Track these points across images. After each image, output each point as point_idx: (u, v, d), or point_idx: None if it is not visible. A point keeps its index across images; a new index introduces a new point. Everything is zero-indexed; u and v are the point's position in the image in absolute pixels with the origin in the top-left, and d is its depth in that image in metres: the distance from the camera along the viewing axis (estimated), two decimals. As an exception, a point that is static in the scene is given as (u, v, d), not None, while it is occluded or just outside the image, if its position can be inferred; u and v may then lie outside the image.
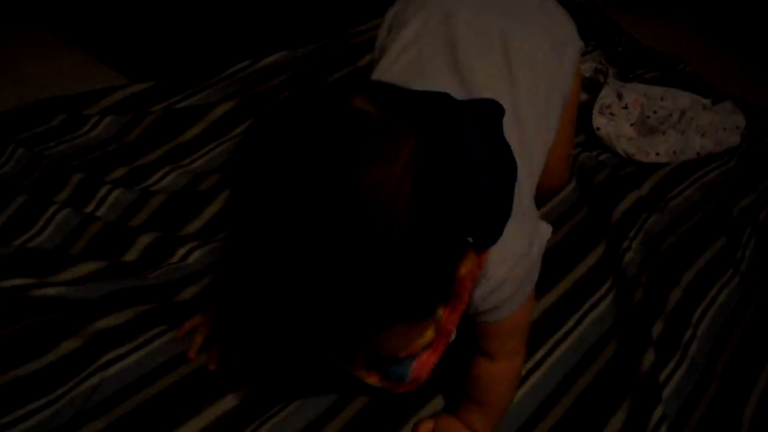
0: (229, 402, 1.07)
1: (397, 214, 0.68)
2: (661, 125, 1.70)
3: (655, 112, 1.73)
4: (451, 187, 0.74)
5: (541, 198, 1.24)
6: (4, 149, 1.38)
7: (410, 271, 0.71)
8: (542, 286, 1.32)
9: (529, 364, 1.20)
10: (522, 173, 0.94)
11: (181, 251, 1.24)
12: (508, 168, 0.88)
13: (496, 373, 1.06)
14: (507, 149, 0.89)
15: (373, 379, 1.03)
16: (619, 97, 1.71)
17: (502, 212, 0.87)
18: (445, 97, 0.89)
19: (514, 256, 0.94)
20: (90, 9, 1.68)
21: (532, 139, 1.04)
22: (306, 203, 0.67)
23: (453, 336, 1.00)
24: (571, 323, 1.28)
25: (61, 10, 1.75)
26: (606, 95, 1.68)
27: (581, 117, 1.68)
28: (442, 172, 0.73)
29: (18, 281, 1.12)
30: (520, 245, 0.94)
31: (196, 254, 1.24)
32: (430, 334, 0.96)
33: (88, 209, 1.31)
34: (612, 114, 1.68)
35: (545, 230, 1.05)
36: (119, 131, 1.48)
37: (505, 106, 0.93)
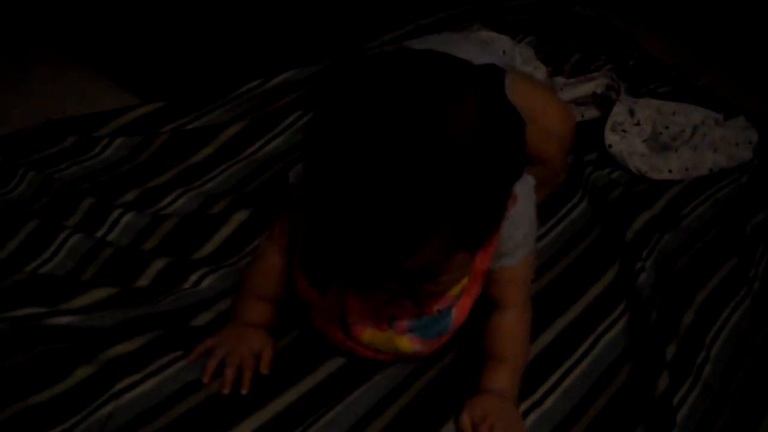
0: (243, 430, 1.07)
1: (471, 140, 0.83)
2: (673, 141, 1.70)
3: (667, 128, 1.73)
4: (504, 122, 0.89)
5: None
6: (15, 172, 1.39)
7: (480, 188, 0.86)
8: (555, 308, 1.32)
9: (542, 390, 1.19)
10: None
11: (194, 277, 1.24)
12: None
13: (514, 323, 1.16)
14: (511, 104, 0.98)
15: (412, 344, 1.11)
16: (631, 113, 1.70)
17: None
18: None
19: (522, 194, 1.05)
20: (99, 27, 1.68)
21: None
22: (401, 133, 0.81)
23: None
24: (584, 347, 1.27)
25: (71, 28, 1.76)
26: (618, 112, 1.68)
27: (593, 134, 1.68)
28: (496, 111, 0.88)
29: (30, 310, 1.12)
30: (520, 186, 1.02)
31: (209, 279, 1.24)
32: (464, 281, 1.08)
33: (100, 233, 1.31)
34: (624, 131, 1.68)
35: (530, 179, 1.16)
36: (130, 153, 1.48)
37: None
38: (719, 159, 1.70)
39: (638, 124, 1.70)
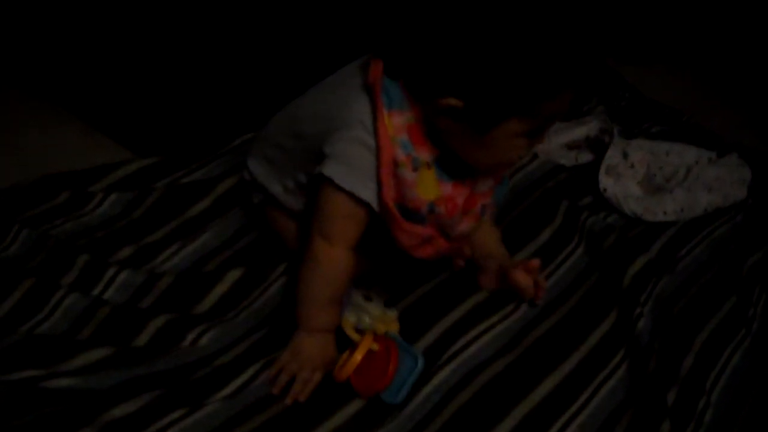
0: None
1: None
2: (667, 183, 1.71)
3: (661, 168, 1.74)
4: None
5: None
6: (9, 229, 1.38)
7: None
8: (554, 358, 1.32)
9: (543, 442, 1.20)
10: None
11: (191, 335, 1.23)
12: None
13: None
14: None
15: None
16: (625, 155, 1.71)
17: None
18: None
19: None
20: (93, 83, 1.69)
21: None
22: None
23: None
24: (585, 395, 1.27)
25: (65, 83, 1.76)
26: (612, 155, 1.69)
27: (587, 178, 1.69)
28: None
29: (27, 373, 1.12)
30: None
31: (207, 337, 1.24)
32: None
33: (96, 292, 1.30)
34: (618, 174, 1.69)
35: None
36: (124, 209, 1.48)
37: None
38: (714, 199, 1.71)
39: (632, 166, 1.71)
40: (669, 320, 1.41)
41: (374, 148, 1.10)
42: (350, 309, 1.26)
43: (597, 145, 1.75)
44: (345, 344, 1.23)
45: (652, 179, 1.71)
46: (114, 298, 1.30)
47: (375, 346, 1.20)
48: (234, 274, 1.35)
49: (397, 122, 1.10)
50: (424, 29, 1.06)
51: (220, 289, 1.33)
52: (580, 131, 1.77)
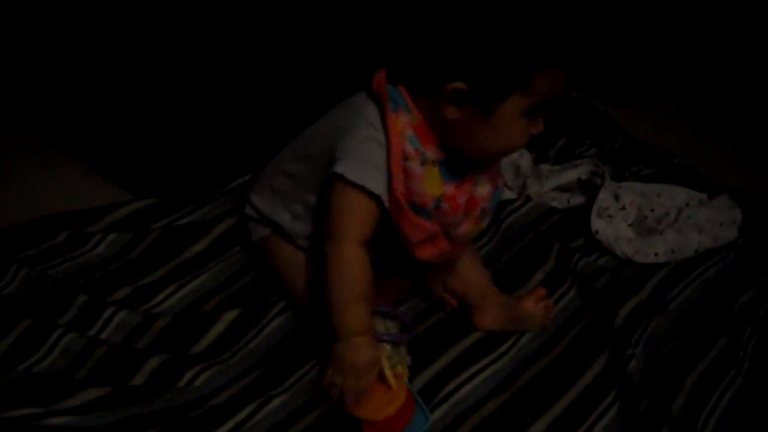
0: None
1: None
2: (658, 224, 1.73)
3: (652, 211, 1.76)
4: None
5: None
6: (7, 268, 1.39)
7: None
8: (546, 398, 1.33)
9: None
10: None
11: (188, 375, 1.24)
12: None
13: None
14: None
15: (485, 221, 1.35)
16: (617, 198, 1.74)
17: None
18: None
19: None
20: (92, 123, 1.71)
21: None
22: None
23: None
24: (577, 437, 1.29)
25: (64, 122, 1.79)
26: (603, 198, 1.72)
27: (579, 220, 1.71)
28: None
29: (25, 411, 1.12)
30: None
31: (203, 377, 1.25)
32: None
33: (93, 331, 1.31)
34: (610, 216, 1.71)
35: None
36: (121, 249, 1.49)
37: None
38: (704, 240, 1.73)
39: (623, 208, 1.73)
40: (660, 360, 1.43)
41: (384, 143, 1.18)
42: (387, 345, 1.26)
43: (589, 188, 1.78)
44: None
45: (644, 221, 1.73)
46: (111, 337, 1.31)
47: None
48: (230, 315, 1.36)
49: (403, 121, 1.19)
50: (425, 22, 1.18)
51: (216, 329, 1.34)
52: (572, 174, 1.79)
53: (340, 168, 1.17)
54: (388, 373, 1.20)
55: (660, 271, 1.66)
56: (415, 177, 1.18)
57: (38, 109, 1.85)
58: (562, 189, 1.81)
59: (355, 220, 1.20)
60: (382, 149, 1.19)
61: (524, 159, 1.83)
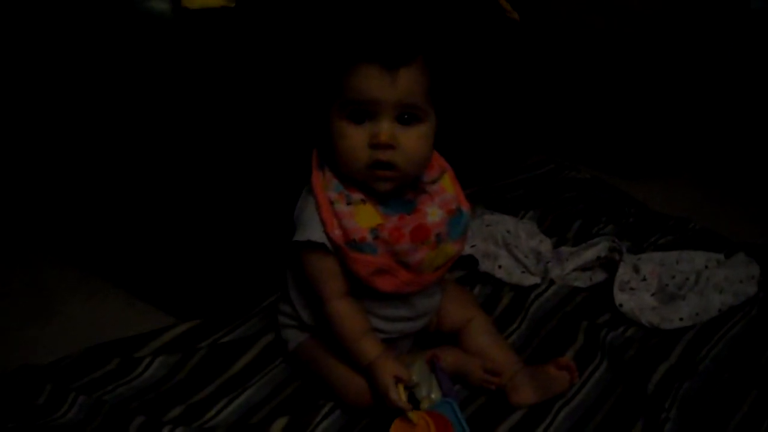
0: None
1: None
2: (680, 290, 1.80)
3: (673, 278, 1.83)
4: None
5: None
6: (65, 396, 1.45)
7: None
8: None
9: None
10: None
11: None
12: None
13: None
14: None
15: (454, 246, 1.43)
16: (636, 270, 1.82)
17: None
18: None
19: None
20: (130, 252, 1.79)
21: None
22: None
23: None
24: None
25: (104, 253, 1.86)
26: (624, 272, 1.79)
27: (603, 296, 1.79)
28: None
29: None
30: None
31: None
32: (454, 187, 1.46)
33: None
34: (632, 288, 1.79)
35: None
36: (171, 370, 1.55)
37: None
38: (726, 299, 1.80)
39: (644, 279, 1.80)
40: (695, 421, 1.48)
41: (315, 198, 1.35)
42: (420, 378, 1.37)
43: (609, 264, 1.86)
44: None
45: (665, 289, 1.80)
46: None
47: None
48: (280, 423, 1.40)
49: (328, 175, 1.38)
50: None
51: (269, 437, 1.41)
52: (591, 253, 1.87)
53: (293, 238, 1.37)
54: (403, 397, 1.33)
55: (686, 334, 1.72)
56: (344, 215, 1.33)
57: (77, 242, 1.93)
58: (584, 268, 1.88)
59: (325, 278, 1.38)
60: (313, 204, 1.36)
61: (544, 244, 1.91)
